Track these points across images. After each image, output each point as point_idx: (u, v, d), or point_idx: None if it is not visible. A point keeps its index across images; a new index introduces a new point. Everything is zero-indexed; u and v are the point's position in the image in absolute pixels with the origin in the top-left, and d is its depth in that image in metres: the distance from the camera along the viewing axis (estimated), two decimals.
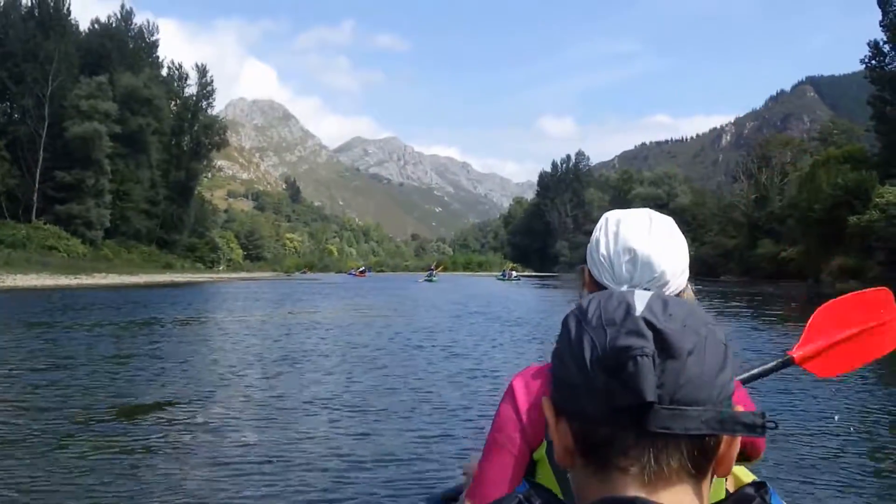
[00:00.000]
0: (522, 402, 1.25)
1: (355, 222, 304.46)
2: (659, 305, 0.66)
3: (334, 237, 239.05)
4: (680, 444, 0.64)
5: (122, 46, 72.05)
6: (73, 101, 61.69)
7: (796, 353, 1.78)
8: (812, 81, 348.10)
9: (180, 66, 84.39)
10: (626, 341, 0.63)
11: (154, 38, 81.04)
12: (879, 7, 51.80)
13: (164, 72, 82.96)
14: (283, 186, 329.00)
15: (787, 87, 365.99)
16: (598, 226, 1.29)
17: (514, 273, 76.22)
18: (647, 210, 1.30)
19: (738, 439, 0.67)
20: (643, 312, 0.65)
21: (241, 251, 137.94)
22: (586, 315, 0.68)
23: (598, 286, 1.26)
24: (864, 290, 1.95)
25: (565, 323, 0.70)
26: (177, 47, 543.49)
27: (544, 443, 1.22)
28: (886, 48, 52.72)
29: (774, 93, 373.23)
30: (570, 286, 50.62)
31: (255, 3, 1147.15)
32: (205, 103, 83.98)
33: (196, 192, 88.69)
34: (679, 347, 0.63)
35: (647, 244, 1.20)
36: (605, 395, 0.63)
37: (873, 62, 54.06)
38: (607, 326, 0.65)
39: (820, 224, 52.37)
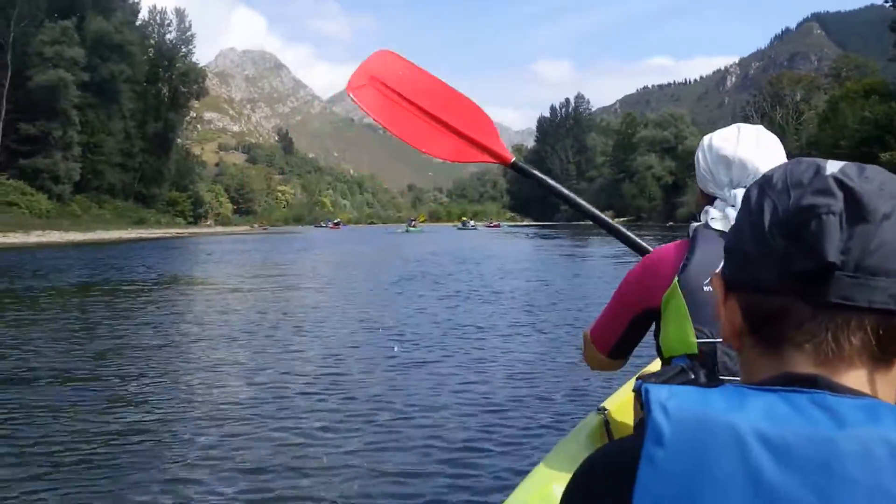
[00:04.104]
0: (646, 262, 1.52)
1: (350, 174, 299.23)
2: (854, 169, 0.58)
3: (328, 189, 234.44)
4: (863, 321, 0.55)
5: None
6: (37, 48, 57.25)
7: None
8: (818, 18, 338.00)
9: (163, 11, 79.48)
10: (811, 200, 0.56)
11: None
12: None
13: (146, 15, 78.22)
14: (276, 138, 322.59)
15: (793, 25, 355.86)
16: (698, 147, 1.55)
17: (472, 222, 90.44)
18: (735, 125, 1.54)
19: None
20: (835, 173, 0.57)
21: (230, 205, 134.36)
22: (770, 180, 0.61)
23: (707, 198, 1.53)
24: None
25: (747, 192, 0.63)
26: None
27: (672, 285, 1.38)
28: None
29: (779, 31, 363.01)
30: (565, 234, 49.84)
31: None
32: (184, 49, 79.23)
33: (179, 144, 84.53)
34: (873, 210, 0.55)
35: (736, 150, 1.44)
36: (783, 260, 0.56)
37: None
38: (793, 189, 0.58)
39: None
